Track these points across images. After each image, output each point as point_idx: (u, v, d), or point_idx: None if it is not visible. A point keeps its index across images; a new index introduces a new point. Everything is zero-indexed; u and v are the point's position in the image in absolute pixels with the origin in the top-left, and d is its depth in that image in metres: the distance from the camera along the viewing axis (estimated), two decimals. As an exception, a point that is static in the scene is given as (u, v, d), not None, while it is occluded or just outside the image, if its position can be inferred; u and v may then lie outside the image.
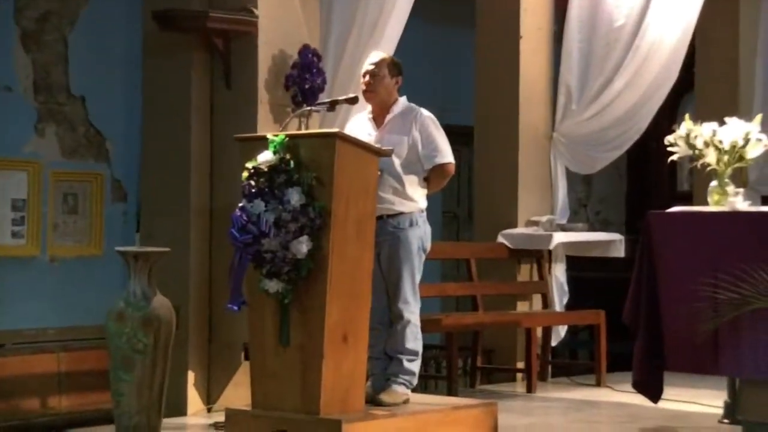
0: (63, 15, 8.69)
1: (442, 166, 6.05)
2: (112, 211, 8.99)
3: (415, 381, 6.05)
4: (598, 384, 7.94)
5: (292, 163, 5.48)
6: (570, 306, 8.67)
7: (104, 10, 8.80)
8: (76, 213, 8.85)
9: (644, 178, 11.75)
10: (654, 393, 6.33)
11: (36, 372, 7.39)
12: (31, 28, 8.56)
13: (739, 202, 6.25)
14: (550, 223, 8.48)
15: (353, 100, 6.18)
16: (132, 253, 5.90)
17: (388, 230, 5.93)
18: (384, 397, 5.87)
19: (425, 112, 6.10)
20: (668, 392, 6.49)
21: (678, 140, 6.46)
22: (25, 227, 8.55)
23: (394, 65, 6.08)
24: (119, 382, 5.84)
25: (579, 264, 9.17)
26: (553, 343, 8.45)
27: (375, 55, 6.14)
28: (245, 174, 5.57)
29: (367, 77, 6.03)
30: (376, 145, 5.81)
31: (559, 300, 8.56)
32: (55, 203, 8.73)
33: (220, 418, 5.94)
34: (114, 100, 8.92)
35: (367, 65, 6.07)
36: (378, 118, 6.12)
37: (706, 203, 6.44)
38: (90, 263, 8.81)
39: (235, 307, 5.62)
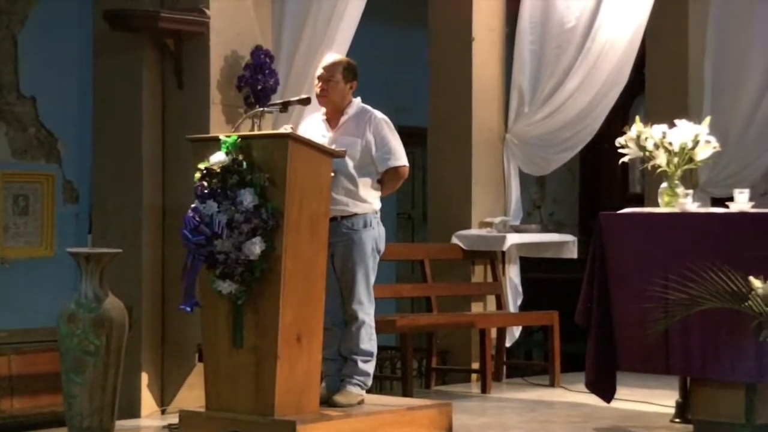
0: (13, 14, 8.60)
1: (395, 169, 6.07)
2: (64, 212, 8.92)
3: (369, 382, 6.06)
4: (552, 384, 7.98)
5: (244, 163, 5.47)
6: (524, 307, 8.71)
7: (55, 9, 8.72)
8: (27, 214, 8.77)
9: (597, 179, 11.82)
10: (607, 393, 6.38)
11: (-14, 375, 7.31)
12: (-20, 27, 8.49)
13: (689, 203, 6.31)
14: (503, 225, 8.51)
15: (306, 101, 6.18)
16: (83, 255, 5.85)
17: (342, 231, 5.94)
18: (339, 398, 5.87)
19: (379, 114, 6.11)
20: (621, 392, 6.55)
21: (629, 142, 6.51)
22: (-24, 229, 8.47)
23: (348, 69, 6.07)
24: (71, 384, 5.79)
25: (533, 265, 9.22)
26: (508, 344, 8.48)
27: (329, 58, 6.13)
28: (198, 175, 5.55)
29: (321, 82, 6.03)
30: (330, 147, 5.81)
31: (513, 301, 8.60)
32: (5, 205, 8.64)
33: (174, 419, 5.92)
34: (65, 101, 8.84)
35: (321, 69, 6.06)
36: (332, 120, 6.12)
37: (657, 205, 6.49)
38: (42, 265, 8.73)
39: (188, 308, 5.61)
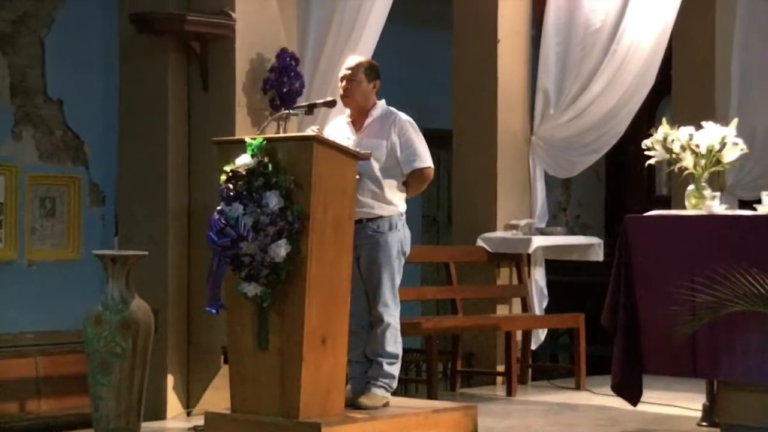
0: (39, 17, 8.64)
1: (420, 171, 6.06)
2: (89, 214, 8.95)
3: (394, 384, 6.05)
4: (578, 387, 7.95)
5: (270, 166, 5.48)
6: (549, 310, 8.68)
7: (80, 12, 8.76)
8: (53, 217, 8.81)
9: (623, 182, 11.78)
10: (633, 396, 6.35)
11: (14, 376, 7.35)
12: (7, 30, 8.52)
13: (716, 205, 6.27)
14: (529, 227, 8.49)
15: (331, 104, 6.18)
16: (110, 257, 5.88)
17: (368, 234, 5.93)
18: (364, 400, 5.86)
19: (404, 116, 6.11)
20: (647, 395, 6.51)
21: (655, 144, 6.48)
22: (2, 231, 8.51)
23: (371, 69, 6.08)
24: (97, 386, 5.81)
25: (558, 268, 9.18)
26: (533, 347, 8.46)
27: (351, 60, 6.15)
28: (223, 177, 5.56)
29: (344, 82, 6.04)
30: (355, 149, 5.81)
31: (539, 303, 8.57)
32: (32, 207, 8.68)
33: (200, 421, 5.92)
34: (91, 104, 8.88)
35: (344, 70, 6.08)
36: (356, 122, 6.12)
37: (683, 207, 6.46)
38: (68, 267, 8.77)
39: (213, 311, 5.62)
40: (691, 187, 6.38)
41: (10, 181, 8.54)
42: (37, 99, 8.68)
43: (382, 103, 6.14)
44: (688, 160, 6.34)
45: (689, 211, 6.32)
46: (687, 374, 6.22)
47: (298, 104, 6.55)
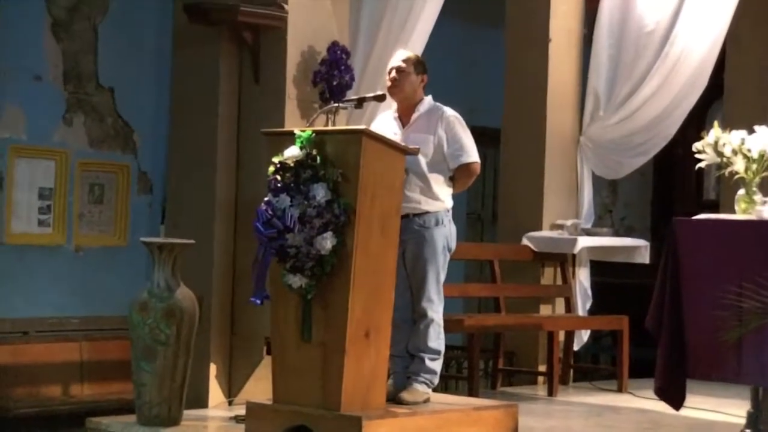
0: (94, 5, 8.70)
1: (467, 166, 6.06)
2: (137, 202, 9.01)
3: (436, 380, 6.05)
4: (620, 390, 7.90)
5: (318, 158, 5.49)
6: (593, 311, 8.64)
7: (135, 1, 8.82)
8: (101, 203, 8.88)
9: (670, 184, 11.70)
10: (676, 400, 6.29)
11: (58, 360, 7.42)
12: (62, 17, 8.59)
13: (766, 211, 6.20)
14: (575, 227, 8.46)
15: (381, 98, 6.19)
16: (157, 244, 5.92)
17: (414, 229, 5.94)
18: (405, 395, 5.87)
19: (451, 111, 6.11)
20: (691, 400, 6.45)
21: (706, 147, 6.42)
22: (52, 216, 8.59)
23: (419, 63, 6.10)
24: (141, 373, 5.86)
25: (603, 269, 9.13)
26: (576, 348, 8.42)
27: (401, 53, 6.17)
28: (271, 168, 5.58)
29: (393, 73, 6.06)
30: (403, 144, 5.81)
31: (583, 304, 8.53)
32: (81, 193, 8.76)
33: (241, 411, 5.95)
34: (142, 92, 8.94)
35: (393, 62, 6.10)
36: (403, 117, 6.12)
37: (732, 211, 6.40)
38: (115, 253, 8.84)
39: (258, 301, 5.64)
40: (741, 191, 6.32)
41: (61, 166, 8.61)
42: (89, 86, 8.74)
43: (429, 99, 6.14)
44: (739, 164, 6.28)
45: (739, 216, 6.26)
46: (732, 380, 6.16)
47: (347, 97, 6.57)
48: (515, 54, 8.72)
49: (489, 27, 10.19)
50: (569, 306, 8.45)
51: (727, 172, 6.39)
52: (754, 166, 6.25)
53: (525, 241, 8.39)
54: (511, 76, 8.76)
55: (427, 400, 5.93)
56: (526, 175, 8.59)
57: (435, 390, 6.10)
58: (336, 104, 6.20)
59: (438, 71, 6.16)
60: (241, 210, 6.88)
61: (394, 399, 5.82)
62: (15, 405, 7.02)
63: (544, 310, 8.48)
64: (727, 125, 6.61)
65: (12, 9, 8.27)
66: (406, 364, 6.01)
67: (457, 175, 6.06)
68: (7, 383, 7.16)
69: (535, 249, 8.35)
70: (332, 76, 6.80)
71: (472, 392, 7.29)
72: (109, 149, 8.85)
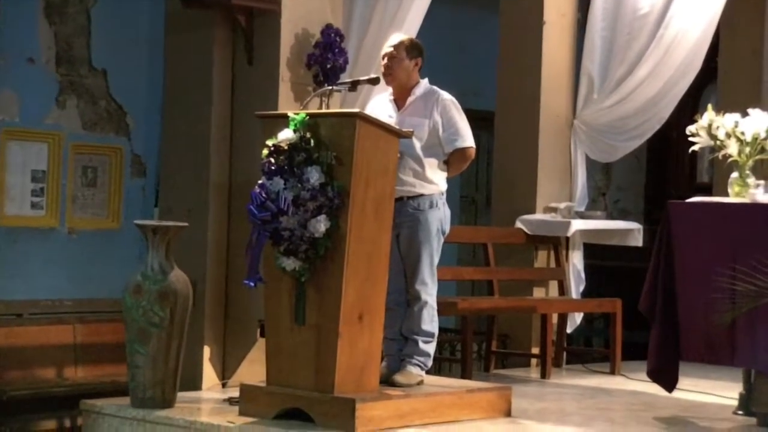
0: (86, -13, 8.70)
1: (462, 150, 6.06)
2: (131, 185, 9.01)
3: (429, 363, 6.06)
4: (613, 372, 7.93)
5: (312, 141, 5.49)
6: (586, 294, 8.66)
7: (128, -17, 8.81)
8: (95, 186, 8.87)
9: (664, 168, 11.71)
10: (669, 382, 6.32)
11: (52, 343, 7.42)
12: (55, 0, 8.57)
13: (759, 194, 6.22)
14: (568, 210, 8.46)
15: (375, 81, 6.18)
16: (150, 227, 5.91)
17: (408, 212, 5.94)
18: (399, 377, 5.88)
19: (446, 95, 6.10)
20: (683, 382, 6.49)
21: (699, 131, 6.43)
22: (45, 199, 8.59)
23: (412, 47, 6.08)
24: (135, 355, 5.86)
25: (596, 252, 9.15)
26: (569, 330, 8.44)
27: (394, 38, 6.15)
28: (265, 151, 5.58)
29: (386, 60, 6.05)
30: (397, 127, 5.81)
31: (576, 287, 8.54)
32: (74, 176, 8.75)
33: (235, 393, 5.96)
34: (135, 75, 8.93)
35: (386, 48, 6.09)
36: (399, 100, 6.12)
37: (725, 195, 6.41)
38: (108, 236, 8.84)
39: (252, 284, 5.64)
40: (734, 174, 6.33)
41: (54, 149, 8.60)
42: (82, 68, 8.73)
43: (425, 82, 6.14)
44: (732, 148, 6.30)
45: (732, 199, 6.28)
46: (724, 362, 6.19)
47: (341, 80, 6.55)
48: (509, 37, 8.71)
49: (481, 10, 10.18)
50: (562, 289, 8.46)
51: (720, 155, 6.41)
52: (747, 149, 6.27)
53: (518, 224, 8.39)
54: (504, 60, 8.75)
55: (420, 383, 5.95)
56: (520, 158, 8.59)
57: (428, 372, 6.11)
58: (330, 87, 6.18)
59: (430, 54, 6.15)
60: (234, 193, 6.87)
61: (387, 381, 5.84)
62: (9, 387, 7.02)
63: (538, 293, 8.49)
64: (721, 108, 6.62)
65: (5, -8, 8.26)
66: (399, 346, 6.02)
67: (451, 160, 6.06)
68: (1, 366, 7.16)
69: (529, 232, 8.36)
70: (326, 59, 6.79)
71: (465, 375, 7.30)
72: (102, 132, 8.85)
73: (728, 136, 6.30)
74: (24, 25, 8.40)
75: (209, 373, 6.80)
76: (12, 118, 8.41)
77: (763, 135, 6.25)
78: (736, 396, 6.40)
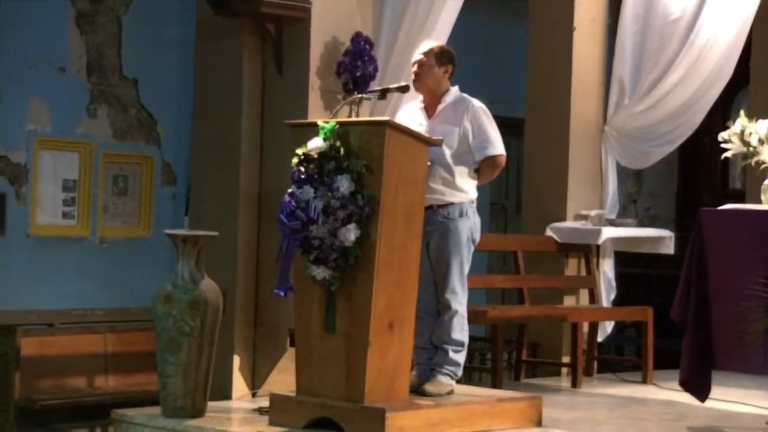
0: (118, -4, 8.75)
1: (492, 158, 6.03)
2: (161, 193, 9.04)
3: (460, 372, 6.03)
4: (645, 381, 7.87)
5: (341, 150, 5.48)
6: (617, 302, 8.60)
7: (159, -8, 8.85)
8: (125, 195, 8.91)
9: (695, 174, 11.63)
10: (702, 392, 6.27)
11: (83, 352, 7.45)
12: (86, 9, 8.62)
13: (793, 201, 6.17)
14: (599, 218, 8.41)
15: (404, 89, 6.16)
16: (181, 236, 5.92)
17: (438, 220, 5.92)
18: (429, 387, 5.86)
19: (477, 102, 6.08)
20: (716, 391, 6.42)
21: (732, 137, 6.39)
22: (76, 208, 8.63)
23: (443, 54, 6.06)
24: (166, 364, 5.86)
25: (627, 260, 9.09)
26: (600, 339, 8.39)
27: (425, 45, 6.15)
28: (295, 160, 5.57)
29: (416, 67, 6.04)
30: (427, 135, 5.79)
31: (607, 295, 8.49)
32: (105, 185, 8.78)
33: (265, 402, 5.95)
34: (166, 83, 8.96)
35: (416, 55, 6.08)
36: (429, 108, 6.11)
37: (758, 201, 6.36)
38: (139, 245, 8.87)
39: (282, 293, 5.63)
40: (767, 181, 6.28)
41: (85, 158, 8.64)
42: (112, 77, 8.77)
43: (455, 90, 6.12)
44: (765, 154, 6.25)
45: (765, 206, 6.22)
46: (758, 372, 6.13)
47: (371, 89, 6.55)
48: (539, 43, 8.67)
49: (513, 16, 10.15)
50: (593, 297, 8.41)
51: (753, 161, 6.36)
52: (781, 156, 6.22)
53: (549, 232, 8.35)
54: (534, 66, 8.72)
55: (450, 392, 5.92)
56: (550, 165, 8.55)
57: (459, 381, 6.08)
58: (359, 95, 6.18)
59: (461, 61, 6.13)
60: (264, 201, 6.88)
61: (417, 390, 5.81)
62: (40, 396, 7.06)
63: (568, 301, 8.45)
64: (753, 114, 6.57)
65: (37, 2, 8.30)
66: (430, 355, 6.00)
67: (482, 168, 6.04)
68: (33, 375, 7.19)
69: (559, 240, 8.32)
70: (356, 66, 6.79)
71: (495, 384, 7.27)
72: (132, 141, 8.88)
73: (761, 142, 6.26)
74: (55, 35, 8.45)
75: (239, 383, 6.81)
76: (43, 128, 8.46)
77: (796, 142, 6.20)
78: (770, 405, 6.35)
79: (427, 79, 6.03)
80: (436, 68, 6.03)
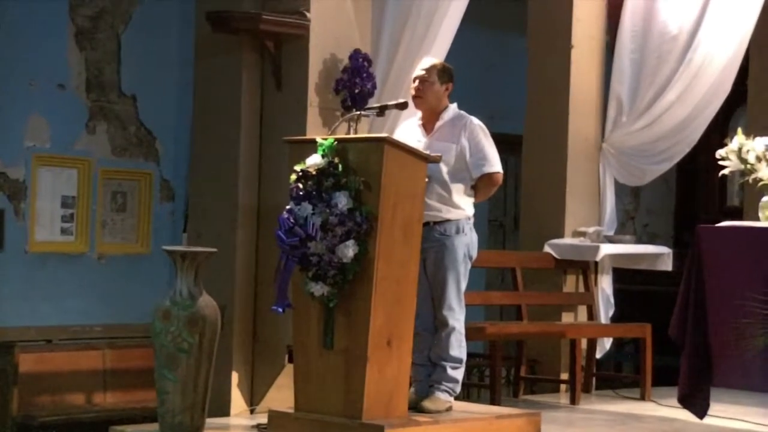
0: (116, 14, 8.74)
1: (489, 176, 6.05)
2: (160, 210, 9.04)
3: (458, 389, 6.03)
4: (643, 398, 7.87)
5: (340, 166, 5.49)
6: (616, 318, 8.60)
7: (157, 9, 8.85)
8: (124, 211, 8.90)
9: (693, 191, 11.65)
10: (700, 409, 6.27)
11: (82, 368, 7.44)
12: (85, 26, 8.63)
13: (790, 218, 6.18)
14: (597, 235, 8.42)
15: (403, 106, 6.19)
16: (179, 253, 5.92)
17: (435, 237, 5.93)
18: (427, 403, 5.86)
19: (475, 120, 6.10)
20: (714, 408, 6.43)
21: (730, 154, 6.41)
22: (74, 224, 8.62)
23: (444, 71, 6.09)
24: (164, 381, 5.86)
25: (625, 276, 9.10)
26: (598, 356, 8.38)
27: (426, 61, 6.17)
28: (293, 176, 5.59)
29: (417, 83, 6.06)
30: (425, 152, 5.80)
31: (605, 312, 8.50)
32: (104, 201, 8.78)
33: (263, 419, 5.95)
34: (165, 100, 8.97)
35: (418, 71, 6.11)
36: (427, 125, 6.12)
37: (756, 218, 6.37)
38: (137, 261, 8.86)
39: (280, 310, 5.64)
40: (765, 198, 6.30)
41: (83, 174, 8.64)
42: (111, 94, 8.78)
43: (453, 107, 6.14)
44: (763, 171, 6.27)
45: (763, 223, 6.23)
46: (757, 389, 6.14)
47: (369, 105, 6.57)
48: (537, 60, 8.70)
49: (509, 33, 10.17)
50: (591, 314, 8.42)
51: (750, 179, 6.37)
52: (779, 173, 6.23)
53: (547, 249, 8.36)
54: (533, 83, 8.74)
55: (449, 409, 5.92)
56: (548, 181, 8.56)
57: (457, 398, 6.08)
58: (358, 112, 6.21)
59: (458, 77, 6.15)
60: (263, 218, 6.88)
61: (416, 407, 5.82)
62: (39, 413, 7.04)
63: (567, 317, 8.45)
64: (751, 132, 6.59)
65: (35, 18, 8.32)
66: (428, 372, 6.00)
67: (479, 185, 6.05)
68: (32, 391, 7.18)
69: (557, 256, 8.32)
70: (354, 83, 6.80)
71: (494, 400, 7.27)
72: (131, 157, 8.88)
73: (759, 159, 6.28)
74: (54, 51, 8.46)
75: (237, 399, 6.80)
76: (42, 144, 8.46)
77: (793, 159, 6.22)
78: (769, 422, 6.35)
79: (428, 95, 6.05)
80: (438, 85, 6.06)
